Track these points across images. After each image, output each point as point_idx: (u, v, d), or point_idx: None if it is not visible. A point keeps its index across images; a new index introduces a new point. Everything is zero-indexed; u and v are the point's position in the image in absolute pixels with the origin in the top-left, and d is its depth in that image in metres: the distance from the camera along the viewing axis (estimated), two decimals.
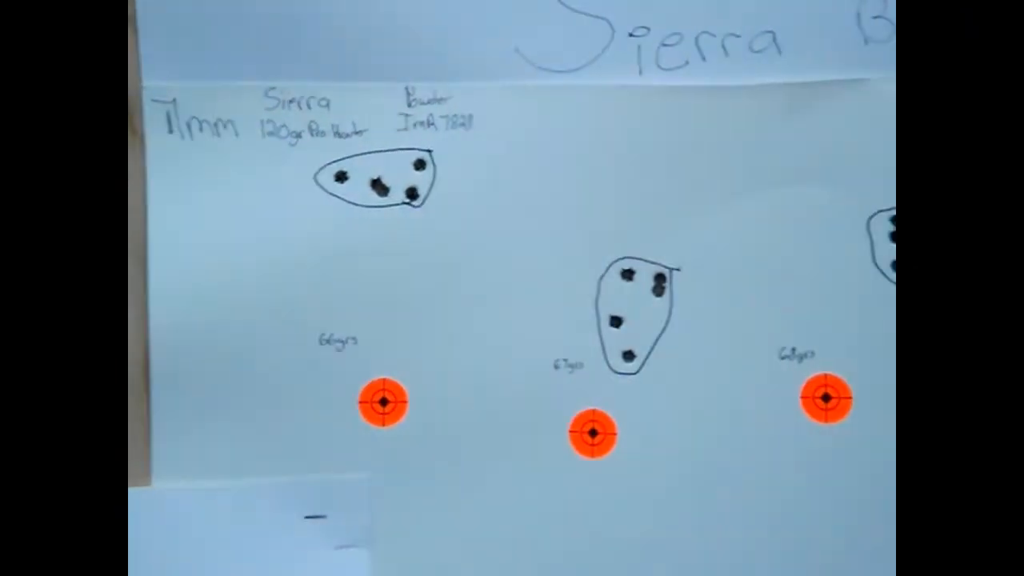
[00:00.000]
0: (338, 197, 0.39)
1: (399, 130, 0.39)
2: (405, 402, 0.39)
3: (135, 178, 0.39)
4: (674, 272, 0.40)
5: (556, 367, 0.39)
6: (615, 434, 0.39)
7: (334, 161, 0.39)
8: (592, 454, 0.39)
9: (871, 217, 0.39)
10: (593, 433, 0.39)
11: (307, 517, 0.39)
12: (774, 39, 0.39)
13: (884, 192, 0.39)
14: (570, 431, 0.39)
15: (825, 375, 0.39)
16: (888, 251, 0.39)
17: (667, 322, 0.39)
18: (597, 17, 0.39)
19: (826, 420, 0.39)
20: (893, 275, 0.39)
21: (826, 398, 0.39)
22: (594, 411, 0.39)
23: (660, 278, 0.40)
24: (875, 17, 0.38)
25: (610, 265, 0.40)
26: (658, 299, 0.40)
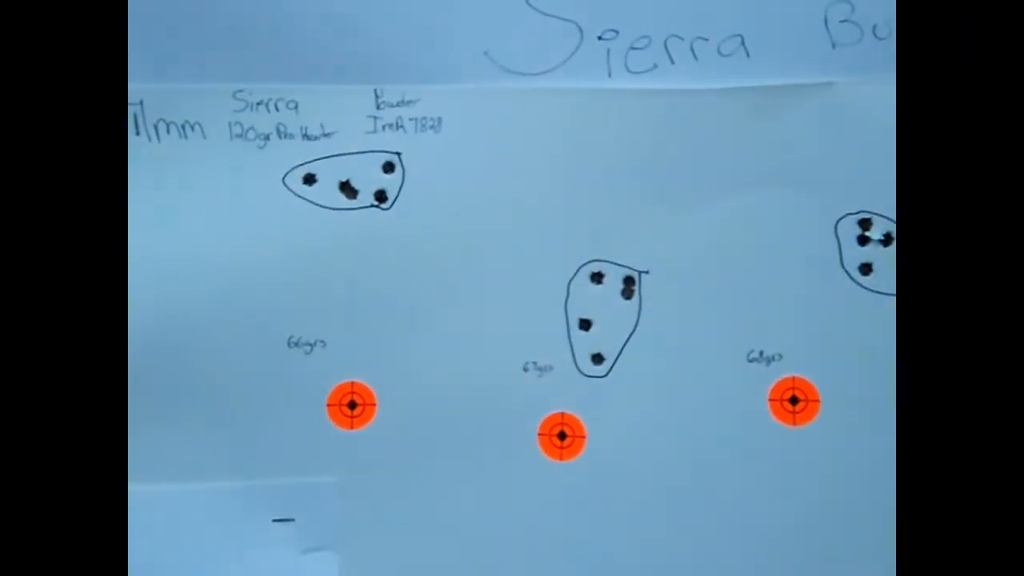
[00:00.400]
0: (306, 200, 0.39)
1: (368, 132, 0.39)
2: (374, 405, 0.39)
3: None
4: (643, 275, 0.40)
5: (525, 370, 0.39)
6: (584, 437, 0.39)
7: (303, 163, 0.39)
8: (561, 457, 0.39)
9: (839, 220, 0.39)
10: (562, 436, 0.39)
11: (275, 520, 0.39)
12: (742, 42, 0.39)
13: (851, 195, 0.39)
14: (539, 434, 0.39)
15: (793, 378, 0.39)
16: (856, 254, 0.39)
17: (636, 325, 0.40)
18: (566, 20, 0.39)
19: (794, 423, 0.39)
20: (861, 278, 0.39)
21: (794, 401, 0.39)
22: (563, 414, 0.39)
23: (629, 281, 0.40)
24: (842, 21, 0.38)
25: (579, 268, 0.40)
26: (627, 302, 0.40)
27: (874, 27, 0.38)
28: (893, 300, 0.38)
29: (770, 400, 0.39)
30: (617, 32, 0.39)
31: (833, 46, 0.38)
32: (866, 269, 0.39)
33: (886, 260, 0.39)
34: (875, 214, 0.39)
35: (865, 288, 0.39)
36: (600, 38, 0.39)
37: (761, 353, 0.39)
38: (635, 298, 0.40)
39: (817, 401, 0.39)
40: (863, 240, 0.39)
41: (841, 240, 0.39)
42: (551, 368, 0.39)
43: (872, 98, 0.38)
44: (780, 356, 0.39)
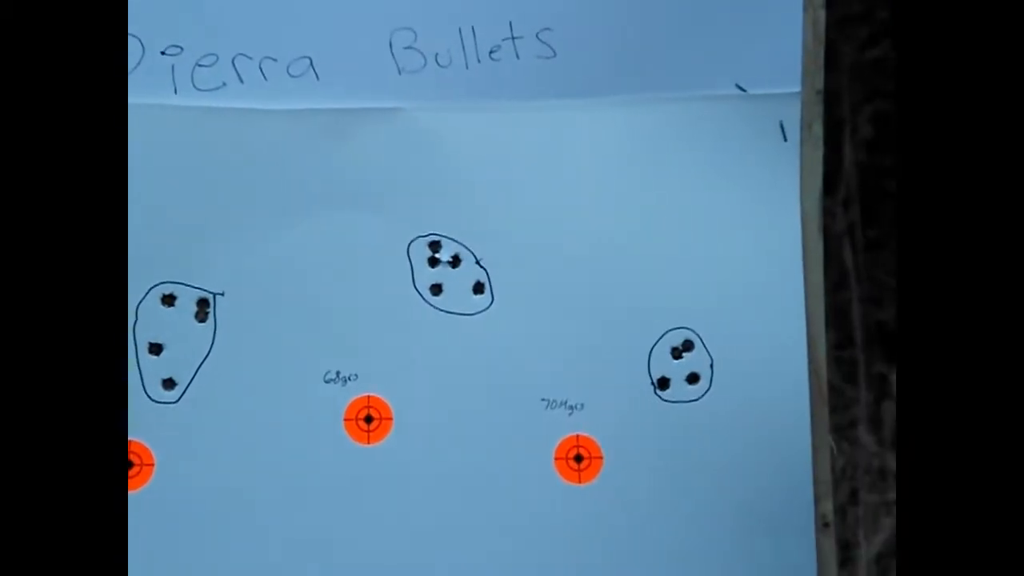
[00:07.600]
0: None
1: None
2: None
3: None
4: (217, 297, 0.39)
5: None
6: (152, 465, 0.38)
7: None
8: (129, 488, 0.38)
9: (411, 243, 0.40)
10: (128, 465, 0.38)
11: None
12: (311, 64, 0.39)
13: (422, 218, 0.40)
14: None
15: (368, 396, 0.39)
16: (427, 275, 0.40)
17: (210, 348, 0.39)
18: (127, 34, 0.37)
19: (368, 442, 0.39)
20: (432, 298, 0.40)
21: (368, 419, 0.39)
22: (131, 442, 0.38)
23: (203, 303, 0.39)
24: (407, 48, 0.39)
25: (149, 290, 0.38)
26: (201, 325, 0.39)
27: (436, 55, 0.39)
28: (463, 319, 0.40)
29: (346, 420, 0.39)
30: (181, 48, 0.38)
31: (399, 72, 0.39)
32: (436, 289, 0.40)
33: (455, 281, 0.40)
34: (444, 237, 0.40)
35: (436, 308, 0.40)
36: (164, 53, 0.38)
37: (338, 373, 0.39)
38: (210, 321, 0.39)
39: (390, 419, 0.40)
40: (433, 262, 0.40)
41: (413, 262, 0.40)
42: None
43: (437, 124, 0.39)
44: (356, 376, 0.39)
